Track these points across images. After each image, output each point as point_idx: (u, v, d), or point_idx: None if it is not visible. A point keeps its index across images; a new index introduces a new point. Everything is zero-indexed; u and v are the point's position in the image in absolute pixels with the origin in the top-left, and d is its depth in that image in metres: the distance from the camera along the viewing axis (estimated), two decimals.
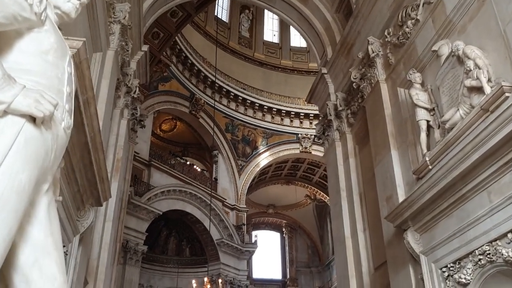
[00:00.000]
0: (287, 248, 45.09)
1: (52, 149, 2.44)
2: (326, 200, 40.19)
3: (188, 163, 32.03)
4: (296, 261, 44.75)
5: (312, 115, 34.61)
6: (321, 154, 34.51)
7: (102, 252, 9.49)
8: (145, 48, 11.61)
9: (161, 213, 25.97)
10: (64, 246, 6.01)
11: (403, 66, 9.19)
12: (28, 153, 2.20)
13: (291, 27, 40.22)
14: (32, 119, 2.26)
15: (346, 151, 12.02)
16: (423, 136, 7.92)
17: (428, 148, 7.83)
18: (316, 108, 33.68)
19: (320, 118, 13.68)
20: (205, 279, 20.19)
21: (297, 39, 40.13)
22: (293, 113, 34.90)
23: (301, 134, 34.82)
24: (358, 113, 11.56)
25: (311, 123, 34.76)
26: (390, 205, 8.69)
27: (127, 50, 10.09)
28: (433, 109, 7.94)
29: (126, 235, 22.66)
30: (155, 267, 29.01)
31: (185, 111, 30.58)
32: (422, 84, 8.29)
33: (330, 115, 12.63)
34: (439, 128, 7.76)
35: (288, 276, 43.52)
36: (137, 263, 24.32)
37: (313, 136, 34.29)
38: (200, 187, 29.18)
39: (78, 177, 6.14)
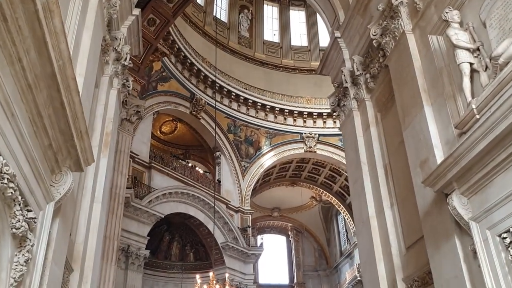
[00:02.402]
0: (293, 252, 44.75)
1: None
2: (332, 201, 39.38)
3: (190, 165, 31.12)
4: (303, 265, 44.39)
5: (315, 113, 34.37)
6: (326, 154, 34.10)
7: (90, 235, 8.19)
8: (136, 11, 10.31)
9: (162, 216, 25.18)
10: (31, 211, 4.74)
11: (434, 9, 7.92)
12: None
13: (291, 26, 40.18)
14: None
15: (366, 120, 10.71)
16: (466, 81, 6.63)
17: (473, 96, 6.55)
18: (320, 106, 33.66)
19: (335, 87, 12.34)
20: (210, 273, 18.93)
21: (297, 38, 39.63)
22: (296, 112, 34.36)
23: (305, 133, 34.24)
24: (379, 76, 10.27)
25: (315, 122, 34.53)
26: (426, 170, 7.38)
27: (115, 6, 8.85)
28: (478, 49, 6.66)
29: (127, 239, 22.20)
30: (159, 273, 28.29)
31: (186, 111, 29.95)
32: (461, 24, 7.04)
33: (346, 82, 11.31)
34: (486, 70, 6.48)
35: (295, 281, 43.25)
36: (139, 268, 23.52)
37: (317, 135, 33.88)
38: (203, 189, 28.33)
39: (47, 126, 4.87)
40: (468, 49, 6.71)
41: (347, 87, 11.41)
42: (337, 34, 11.72)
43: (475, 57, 6.67)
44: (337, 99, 12.01)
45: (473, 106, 6.28)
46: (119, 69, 9.93)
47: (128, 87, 10.76)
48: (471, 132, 6.07)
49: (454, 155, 6.21)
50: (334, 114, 12.38)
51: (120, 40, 9.74)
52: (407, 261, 8.86)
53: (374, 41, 9.82)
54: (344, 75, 11.38)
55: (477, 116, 6.21)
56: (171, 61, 28.17)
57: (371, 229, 9.82)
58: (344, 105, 11.70)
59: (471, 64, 6.66)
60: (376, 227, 9.80)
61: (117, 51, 9.67)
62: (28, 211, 4.69)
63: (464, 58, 6.67)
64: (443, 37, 7.57)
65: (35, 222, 4.82)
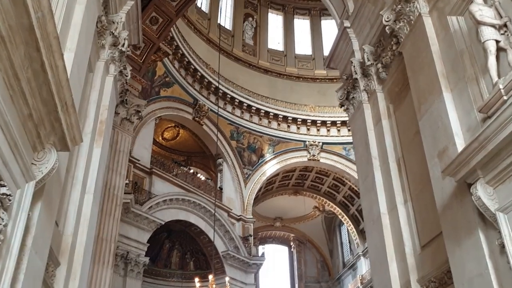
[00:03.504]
0: (295, 263, 44.16)
1: None
2: (335, 211, 38.83)
3: (191, 171, 30.63)
4: (305, 276, 43.87)
5: (319, 122, 33.97)
6: (329, 162, 33.58)
7: (80, 228, 7.58)
8: None
9: (163, 223, 24.64)
10: (4, 186, 4.16)
11: None
12: None
13: (295, 34, 39.71)
14: None
15: (378, 112, 10.14)
16: (492, 60, 6.03)
17: (499, 76, 5.97)
18: (324, 114, 33.15)
19: (343, 80, 11.74)
20: (210, 276, 18.26)
21: (301, 47, 39.24)
22: (299, 120, 33.93)
23: (308, 141, 33.72)
24: (392, 65, 9.70)
25: (318, 130, 34.08)
26: (445, 160, 6.78)
27: None
28: (504, 25, 6.10)
29: (126, 245, 21.76)
30: (158, 282, 27.61)
31: (188, 117, 29.59)
32: (485, 1, 6.49)
33: (356, 73, 10.75)
34: None
35: None
36: (139, 275, 22.92)
37: (321, 144, 33.48)
38: (205, 197, 27.75)
39: (26, 91, 4.30)
40: (493, 26, 6.14)
41: (356, 79, 10.83)
42: (347, 23, 11.13)
43: (502, 34, 6.11)
44: (345, 92, 11.43)
45: (500, 86, 5.70)
46: (116, 55, 9.38)
47: (126, 75, 10.21)
48: (499, 113, 5.48)
49: (479, 139, 5.62)
50: (343, 107, 11.79)
51: (118, 24, 9.19)
52: (422, 260, 8.21)
53: (386, 27, 9.22)
54: (354, 66, 10.81)
55: (505, 97, 5.62)
56: (174, 66, 27.84)
57: (383, 227, 9.17)
58: (353, 97, 11.11)
59: (497, 42, 6.09)
60: (388, 225, 9.16)
61: (114, 35, 9.12)
62: (1, 186, 4.11)
63: (489, 35, 6.09)
64: (464, 16, 7.04)
65: (9, 200, 4.23)
